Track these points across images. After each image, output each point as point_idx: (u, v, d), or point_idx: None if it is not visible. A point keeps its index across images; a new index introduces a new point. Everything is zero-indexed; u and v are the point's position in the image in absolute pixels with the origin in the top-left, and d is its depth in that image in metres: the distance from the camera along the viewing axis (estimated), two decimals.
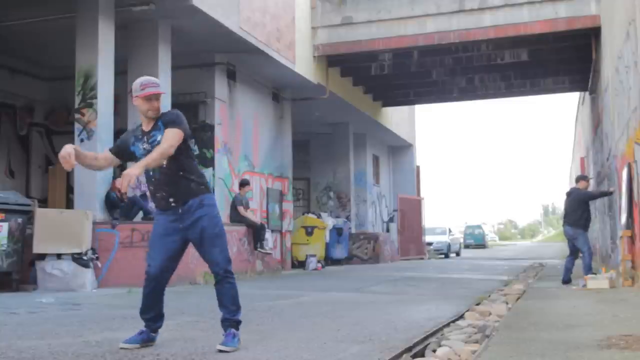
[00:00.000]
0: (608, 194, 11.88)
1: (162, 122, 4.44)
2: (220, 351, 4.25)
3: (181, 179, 4.43)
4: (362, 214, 23.35)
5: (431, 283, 11.57)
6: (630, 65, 8.94)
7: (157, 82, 4.53)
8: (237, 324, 4.44)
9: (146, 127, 4.50)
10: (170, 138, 4.32)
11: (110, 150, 4.70)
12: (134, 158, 4.52)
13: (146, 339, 4.49)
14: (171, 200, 4.45)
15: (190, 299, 8.15)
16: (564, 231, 11.20)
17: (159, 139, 4.38)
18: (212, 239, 4.44)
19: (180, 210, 4.44)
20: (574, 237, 10.83)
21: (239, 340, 4.39)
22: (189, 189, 4.45)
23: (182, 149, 4.42)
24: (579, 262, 11.19)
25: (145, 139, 4.46)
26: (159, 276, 4.48)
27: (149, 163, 4.24)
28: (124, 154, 4.63)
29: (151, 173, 4.45)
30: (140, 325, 4.55)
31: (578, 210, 10.78)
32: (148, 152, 4.38)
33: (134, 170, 4.12)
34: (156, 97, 4.43)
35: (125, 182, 4.05)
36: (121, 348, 4.38)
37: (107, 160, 4.67)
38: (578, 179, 11.55)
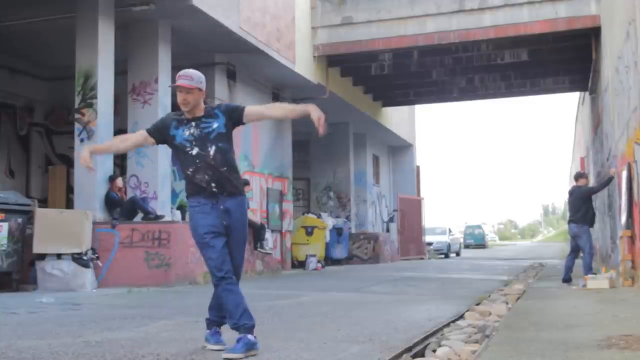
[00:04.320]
0: (609, 181, 11.80)
1: (221, 110, 4.36)
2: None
3: (224, 173, 4.29)
4: (362, 214, 23.34)
5: (431, 283, 11.56)
6: (630, 65, 8.94)
7: (191, 75, 4.32)
8: (247, 329, 4.16)
9: (192, 114, 4.33)
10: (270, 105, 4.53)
11: (147, 130, 4.50)
12: (170, 141, 4.37)
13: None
14: (213, 185, 4.26)
15: (190, 299, 8.15)
16: (568, 229, 11.19)
17: (214, 126, 4.28)
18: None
19: (221, 199, 4.26)
20: (578, 234, 10.85)
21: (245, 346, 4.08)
22: (231, 184, 4.31)
23: (229, 143, 4.34)
24: (579, 262, 11.20)
25: (194, 124, 4.30)
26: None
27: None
28: (160, 136, 4.43)
29: (197, 160, 4.27)
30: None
31: (582, 207, 10.83)
32: (195, 138, 4.27)
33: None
34: (186, 90, 4.27)
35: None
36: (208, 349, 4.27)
37: (140, 141, 4.55)
38: (577, 177, 11.55)
